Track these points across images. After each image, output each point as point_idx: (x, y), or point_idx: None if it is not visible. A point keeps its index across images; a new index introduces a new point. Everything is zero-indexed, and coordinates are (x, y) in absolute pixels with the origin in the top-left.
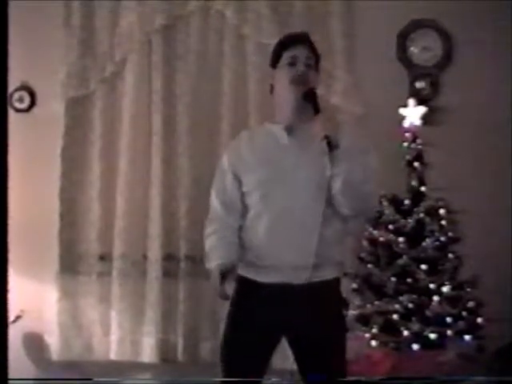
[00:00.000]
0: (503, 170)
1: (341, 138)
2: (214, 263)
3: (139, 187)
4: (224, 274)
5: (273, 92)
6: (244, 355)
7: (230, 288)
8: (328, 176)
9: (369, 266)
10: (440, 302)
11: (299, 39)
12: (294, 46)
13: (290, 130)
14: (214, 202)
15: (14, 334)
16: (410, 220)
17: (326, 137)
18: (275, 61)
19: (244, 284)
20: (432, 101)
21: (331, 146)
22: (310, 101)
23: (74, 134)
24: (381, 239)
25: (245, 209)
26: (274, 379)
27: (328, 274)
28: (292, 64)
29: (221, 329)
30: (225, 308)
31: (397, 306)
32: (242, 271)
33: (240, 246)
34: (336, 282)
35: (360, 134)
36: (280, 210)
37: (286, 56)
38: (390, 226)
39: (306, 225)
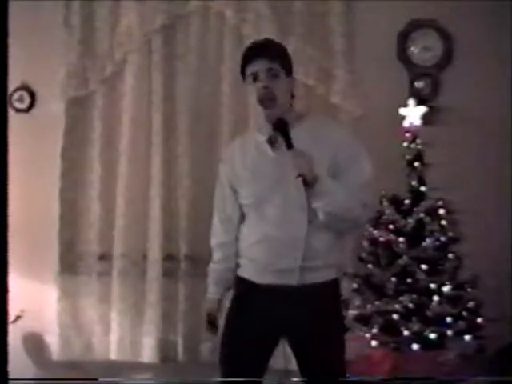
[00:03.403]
0: (503, 169)
1: (333, 142)
2: (208, 292)
3: (139, 187)
4: (212, 317)
5: None
6: (243, 355)
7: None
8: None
9: (369, 265)
10: (440, 302)
11: (258, 51)
12: (254, 60)
13: (272, 142)
14: (215, 217)
15: (14, 333)
16: (410, 220)
17: (300, 175)
18: (243, 76)
19: (242, 285)
20: (432, 101)
21: (307, 183)
22: (280, 133)
23: (74, 134)
24: (381, 239)
25: (242, 218)
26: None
27: (324, 275)
28: (254, 79)
29: (220, 329)
30: (224, 308)
31: (397, 306)
32: (240, 271)
33: (237, 252)
34: (334, 283)
35: (357, 134)
36: (269, 221)
37: (248, 72)
38: (390, 226)
39: (293, 233)
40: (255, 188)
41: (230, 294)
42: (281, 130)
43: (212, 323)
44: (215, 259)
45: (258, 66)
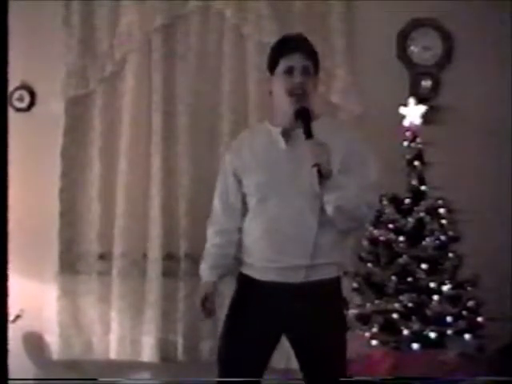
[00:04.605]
0: (503, 169)
1: (339, 145)
2: (203, 277)
3: (139, 187)
4: (207, 300)
5: (271, 95)
6: (243, 353)
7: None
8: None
9: (369, 265)
10: (440, 301)
11: (296, 45)
12: (291, 53)
13: (287, 135)
14: (216, 203)
15: (14, 333)
16: (410, 219)
17: (317, 165)
18: (272, 67)
19: (244, 281)
20: (432, 100)
21: (322, 174)
22: (302, 121)
23: (74, 134)
24: (381, 238)
25: (245, 209)
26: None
27: (327, 273)
28: (289, 73)
29: (220, 328)
30: (224, 308)
31: (397, 305)
32: (243, 269)
33: (239, 246)
34: (336, 281)
35: (361, 135)
36: (275, 215)
37: (283, 64)
38: (391, 225)
39: (301, 231)
40: (260, 178)
41: (231, 292)
42: (303, 117)
43: (207, 306)
44: (214, 244)
45: (295, 61)
